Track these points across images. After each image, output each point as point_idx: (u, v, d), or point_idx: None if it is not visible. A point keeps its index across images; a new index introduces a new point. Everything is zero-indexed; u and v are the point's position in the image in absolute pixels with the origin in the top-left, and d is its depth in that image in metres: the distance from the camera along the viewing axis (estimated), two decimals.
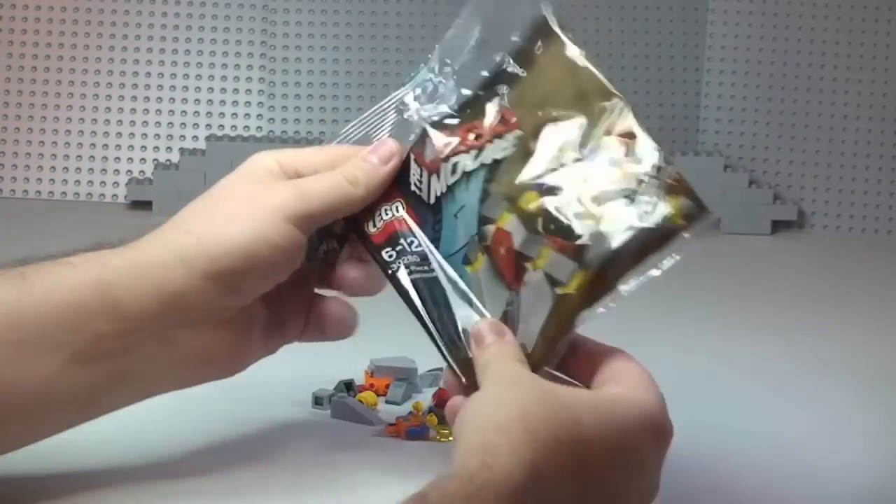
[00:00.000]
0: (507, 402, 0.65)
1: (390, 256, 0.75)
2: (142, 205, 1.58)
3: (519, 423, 0.63)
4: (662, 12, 1.68)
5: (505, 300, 0.73)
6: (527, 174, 0.73)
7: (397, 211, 0.76)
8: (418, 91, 0.78)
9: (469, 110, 0.76)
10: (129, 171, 1.65)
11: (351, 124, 0.79)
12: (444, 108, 0.77)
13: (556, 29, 0.75)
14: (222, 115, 1.67)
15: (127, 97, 1.66)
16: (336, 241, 0.78)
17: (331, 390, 0.89)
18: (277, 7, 1.67)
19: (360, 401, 0.88)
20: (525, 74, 0.75)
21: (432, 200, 0.76)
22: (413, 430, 0.84)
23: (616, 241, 0.70)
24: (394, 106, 0.78)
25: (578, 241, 0.71)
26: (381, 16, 1.67)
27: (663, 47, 1.67)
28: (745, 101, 1.67)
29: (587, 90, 0.74)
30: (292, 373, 0.88)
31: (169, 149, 1.65)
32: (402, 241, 0.75)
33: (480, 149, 0.75)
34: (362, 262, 0.77)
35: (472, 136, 0.75)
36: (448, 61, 0.77)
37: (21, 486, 0.74)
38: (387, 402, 0.90)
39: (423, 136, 0.76)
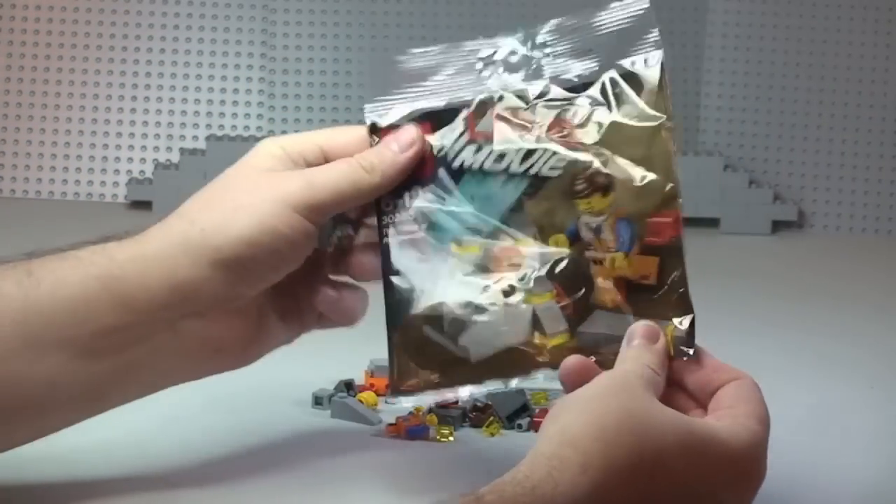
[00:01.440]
0: (591, 415, 0.63)
1: (387, 205, 0.73)
2: (142, 205, 1.58)
3: (596, 441, 0.62)
4: (662, 13, 1.68)
5: (475, 292, 0.72)
6: (564, 217, 0.72)
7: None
8: (506, 54, 0.74)
9: (542, 104, 0.73)
10: (129, 171, 1.65)
11: (424, 50, 0.74)
12: (522, 87, 0.73)
13: (666, 85, 0.72)
14: (222, 115, 1.67)
15: (127, 97, 1.66)
16: (351, 227, 0.77)
17: (331, 390, 0.89)
18: (277, 7, 1.67)
19: (360, 401, 0.88)
20: (610, 108, 0.72)
21: (456, 165, 0.73)
22: (413, 430, 0.84)
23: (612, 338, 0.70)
24: (476, 52, 0.74)
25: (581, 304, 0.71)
26: (381, 16, 1.67)
27: (663, 47, 1.67)
28: (745, 101, 1.66)
29: (654, 165, 0.71)
30: (292, 373, 0.88)
31: (169, 149, 1.65)
32: (405, 193, 0.73)
33: (531, 151, 0.72)
34: (376, 247, 0.75)
35: (530, 132, 0.72)
36: (547, 43, 0.73)
37: (13, 495, 0.74)
38: (387, 402, 0.90)
39: (486, 103, 0.73)
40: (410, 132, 0.74)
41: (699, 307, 0.71)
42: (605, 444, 0.62)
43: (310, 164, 0.74)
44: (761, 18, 1.66)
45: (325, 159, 0.74)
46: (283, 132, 1.65)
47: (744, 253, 1.52)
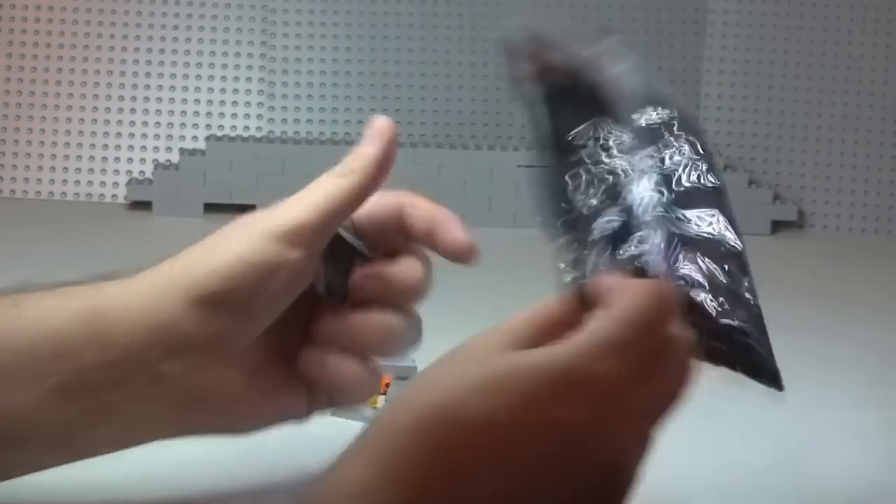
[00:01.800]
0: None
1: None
2: (142, 205, 1.58)
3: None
4: (662, 12, 1.68)
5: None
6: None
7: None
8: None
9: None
10: (129, 171, 1.65)
11: None
12: None
13: None
14: (222, 115, 1.67)
15: (127, 97, 1.66)
16: (343, 276, 0.72)
17: None
18: (277, 7, 1.67)
19: None
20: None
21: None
22: None
23: None
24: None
25: None
26: (381, 16, 1.67)
27: (663, 47, 1.67)
28: (745, 101, 1.66)
29: None
30: None
31: (169, 149, 1.66)
32: None
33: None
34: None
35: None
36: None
37: None
38: (387, 401, 0.90)
39: None
40: (379, 121, 0.70)
41: None
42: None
43: None
44: (761, 18, 1.66)
45: None
46: (283, 132, 1.65)
47: None
